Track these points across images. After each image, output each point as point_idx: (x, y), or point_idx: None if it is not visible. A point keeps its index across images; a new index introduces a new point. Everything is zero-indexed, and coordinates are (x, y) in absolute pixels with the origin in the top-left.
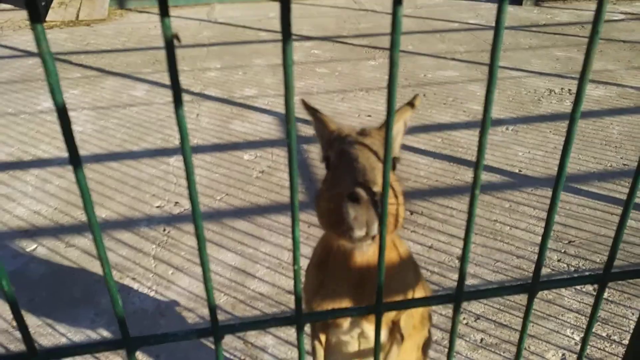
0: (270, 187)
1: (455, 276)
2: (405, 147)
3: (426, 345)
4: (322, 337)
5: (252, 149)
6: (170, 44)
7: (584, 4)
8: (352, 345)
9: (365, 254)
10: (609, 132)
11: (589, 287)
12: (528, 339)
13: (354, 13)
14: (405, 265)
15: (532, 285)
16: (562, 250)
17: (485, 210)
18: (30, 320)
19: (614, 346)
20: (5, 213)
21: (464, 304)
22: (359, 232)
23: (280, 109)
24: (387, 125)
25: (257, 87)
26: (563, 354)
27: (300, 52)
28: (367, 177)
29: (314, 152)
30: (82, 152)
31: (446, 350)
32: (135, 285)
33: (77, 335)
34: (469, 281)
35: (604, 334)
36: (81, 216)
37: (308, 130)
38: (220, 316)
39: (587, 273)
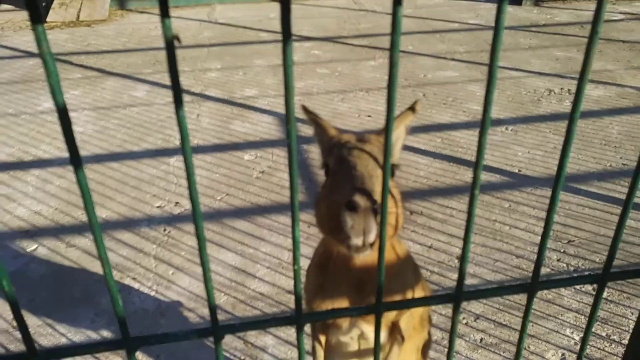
0: (271, 187)
1: (455, 276)
2: (405, 147)
3: (426, 347)
4: (322, 338)
5: (253, 149)
6: (171, 44)
7: (583, 4)
8: (352, 346)
9: (365, 259)
10: (609, 132)
11: (589, 287)
12: (528, 339)
13: (354, 13)
14: (404, 266)
15: (532, 285)
16: (562, 250)
17: (485, 210)
18: (31, 320)
19: (613, 346)
20: (6, 213)
21: (464, 304)
22: (356, 241)
23: (281, 110)
24: (387, 126)
25: (257, 88)
26: (563, 354)
27: (301, 53)
28: (365, 185)
29: (314, 152)
30: (83, 152)
31: (446, 350)
32: (135, 285)
33: (77, 335)
34: (469, 281)
35: (604, 334)
36: (82, 216)
37: (308, 131)
38: (221, 316)
39: (586, 273)
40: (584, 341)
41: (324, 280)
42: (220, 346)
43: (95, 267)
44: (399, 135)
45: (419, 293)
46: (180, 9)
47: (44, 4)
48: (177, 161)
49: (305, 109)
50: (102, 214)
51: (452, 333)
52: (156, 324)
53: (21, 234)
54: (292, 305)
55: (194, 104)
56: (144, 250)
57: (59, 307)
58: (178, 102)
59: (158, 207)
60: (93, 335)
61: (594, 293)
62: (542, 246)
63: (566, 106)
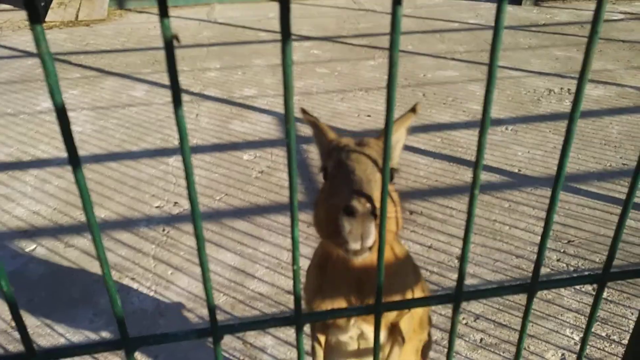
0: (270, 187)
1: (455, 276)
2: (405, 147)
3: (426, 348)
4: (322, 338)
5: (252, 149)
6: (170, 44)
7: (583, 3)
8: (352, 346)
9: (364, 260)
10: (609, 132)
11: (589, 287)
12: (527, 339)
13: (354, 13)
14: (403, 266)
15: (532, 285)
16: (562, 250)
17: (485, 210)
18: (29, 320)
19: (613, 346)
20: (5, 213)
21: (464, 304)
22: (354, 245)
23: (280, 109)
24: (386, 125)
25: (256, 87)
26: (562, 354)
27: (300, 52)
28: (364, 190)
29: (313, 152)
30: (82, 152)
31: (446, 350)
32: (134, 286)
33: (76, 335)
34: (469, 281)
35: (604, 334)
36: (80, 216)
37: (307, 130)
38: (220, 316)
39: (586, 273)
40: (583, 341)
41: (323, 281)
42: (220, 346)
43: (94, 267)
44: (399, 138)
45: (418, 294)
46: (180, 8)
47: (42, 3)
48: (176, 161)
49: (304, 112)
50: (100, 214)
51: (452, 333)
52: (155, 324)
53: (20, 234)
54: (292, 305)
55: (193, 103)
56: (143, 250)
57: (57, 307)
58: (177, 102)
59: (157, 207)
60: (92, 336)
61: (594, 293)
62: (542, 246)
63: (566, 106)
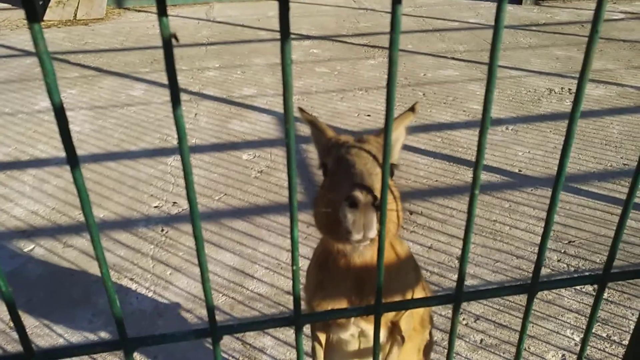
0: (269, 187)
1: (455, 276)
2: (405, 147)
3: (427, 348)
4: (322, 338)
5: (251, 148)
6: (169, 43)
7: (583, 3)
8: (353, 344)
9: (365, 256)
10: (609, 132)
11: (589, 288)
12: (528, 340)
13: (354, 12)
14: (404, 265)
15: (532, 286)
16: (562, 251)
17: (485, 210)
18: (28, 320)
19: (614, 347)
20: (3, 213)
21: (464, 305)
22: (357, 236)
23: (279, 109)
24: (386, 125)
25: (256, 87)
26: (563, 355)
27: (300, 51)
28: (365, 182)
29: (313, 152)
30: (80, 151)
31: (446, 351)
32: (133, 286)
33: (75, 336)
34: (469, 281)
35: (604, 335)
36: (79, 216)
37: (307, 130)
38: (219, 317)
39: (587, 273)
40: (584, 342)
41: (323, 279)
42: (219, 347)
43: (93, 267)
44: (398, 136)
45: (419, 293)
46: (178, 7)
47: (40, 2)
48: (174, 161)
49: (302, 111)
50: (99, 214)
51: (452, 334)
52: (154, 324)
53: (18, 234)
54: (291, 305)
55: (191, 103)
56: (142, 250)
57: (56, 307)
58: (175, 101)
59: (156, 207)
60: (90, 336)
61: (594, 294)
62: (542, 246)
63: (567, 106)
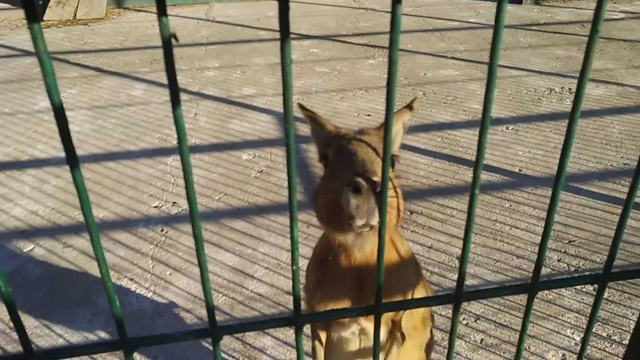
0: (269, 187)
1: (455, 276)
2: (405, 147)
3: (429, 346)
4: (322, 336)
5: (251, 148)
6: (168, 43)
7: (584, 2)
8: (353, 342)
9: (365, 250)
10: (609, 132)
11: (589, 287)
12: (528, 340)
13: (353, 12)
14: (405, 263)
15: (532, 285)
16: (562, 250)
17: (485, 210)
18: (28, 321)
19: (614, 346)
20: (3, 213)
21: (464, 305)
22: (360, 221)
23: (279, 109)
24: (386, 123)
25: (255, 87)
26: (563, 354)
27: (299, 51)
28: (367, 168)
29: (313, 151)
30: (80, 152)
31: (446, 351)
32: (133, 286)
33: (75, 336)
34: (469, 281)
35: (604, 334)
36: (79, 216)
37: (307, 130)
38: (219, 317)
39: (587, 273)
40: (584, 342)
41: (323, 277)
42: (219, 347)
43: (93, 267)
44: (397, 130)
45: (420, 290)
46: (178, 7)
47: (40, 2)
48: (174, 161)
49: (301, 106)
50: (99, 214)
51: (452, 334)
52: (154, 324)
53: (18, 234)
54: (291, 306)
55: (191, 102)
56: (142, 250)
57: (56, 307)
58: (175, 101)
59: (155, 207)
60: (90, 337)
61: (595, 293)
62: (542, 246)
63: (567, 105)
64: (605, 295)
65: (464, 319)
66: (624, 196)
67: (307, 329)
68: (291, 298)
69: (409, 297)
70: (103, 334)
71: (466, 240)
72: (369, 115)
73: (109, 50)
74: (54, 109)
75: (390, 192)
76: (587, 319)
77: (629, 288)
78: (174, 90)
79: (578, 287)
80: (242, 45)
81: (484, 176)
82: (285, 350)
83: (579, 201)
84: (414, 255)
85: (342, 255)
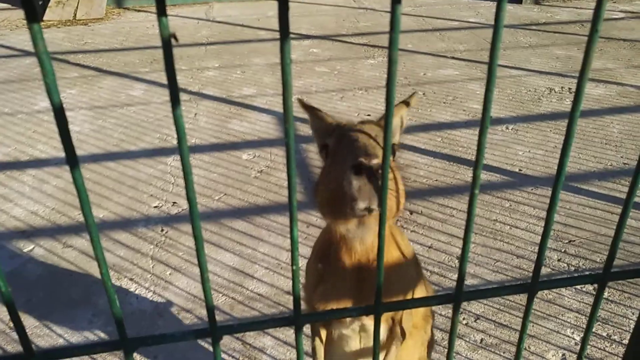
0: (269, 187)
1: (455, 276)
2: (405, 147)
3: (429, 345)
4: (323, 333)
5: (251, 148)
6: (168, 43)
7: (583, 2)
8: (354, 339)
9: (366, 242)
10: (609, 131)
11: (589, 287)
12: (528, 339)
13: (353, 11)
14: (406, 260)
15: (532, 285)
16: (562, 250)
17: (485, 209)
18: (28, 321)
19: (614, 346)
20: (2, 213)
21: (464, 304)
22: (362, 204)
23: (279, 108)
24: (386, 123)
25: (255, 87)
26: (563, 354)
27: (299, 51)
28: (369, 152)
29: (313, 151)
30: (80, 152)
31: (446, 350)
32: (133, 286)
33: (75, 336)
34: (469, 281)
35: (604, 334)
36: (79, 216)
37: (307, 130)
38: (219, 317)
39: (587, 272)
40: (584, 341)
41: (324, 272)
42: (219, 347)
43: (93, 267)
44: (396, 124)
45: (420, 287)
46: (178, 7)
47: (40, 2)
48: (174, 161)
49: (301, 102)
50: (99, 214)
51: (452, 333)
52: (154, 324)
53: (18, 234)
54: (291, 305)
55: (191, 102)
56: (142, 250)
57: (56, 307)
58: (175, 101)
59: (155, 207)
60: (90, 336)
61: (595, 293)
62: (542, 246)
63: (567, 105)
64: (605, 295)
65: (464, 318)
66: (623, 196)
67: (307, 329)
68: (291, 298)
69: (410, 294)
70: (103, 334)
71: (466, 240)
72: (368, 115)
73: (108, 50)
74: (54, 109)
75: (391, 176)
76: (587, 318)
77: (628, 288)
78: (174, 90)
79: (578, 286)
80: (242, 45)
81: (484, 176)
82: (285, 350)
83: (579, 201)
84: (414, 250)
85: (343, 248)
